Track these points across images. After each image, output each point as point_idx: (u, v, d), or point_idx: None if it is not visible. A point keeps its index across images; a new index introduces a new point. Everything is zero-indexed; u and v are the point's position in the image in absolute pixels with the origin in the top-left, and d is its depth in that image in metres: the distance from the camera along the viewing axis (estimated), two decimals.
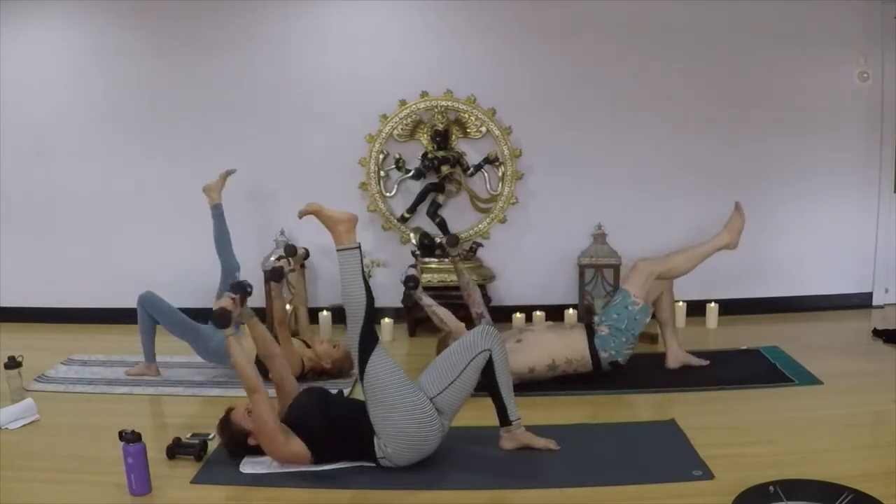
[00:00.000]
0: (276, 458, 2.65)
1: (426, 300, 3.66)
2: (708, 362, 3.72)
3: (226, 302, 2.71)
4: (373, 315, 2.66)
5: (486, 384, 2.75)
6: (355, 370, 2.70)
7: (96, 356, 4.17)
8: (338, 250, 2.69)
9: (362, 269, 2.67)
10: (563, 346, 3.50)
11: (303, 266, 3.90)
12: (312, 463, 2.66)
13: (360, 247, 2.71)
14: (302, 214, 2.77)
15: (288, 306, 4.04)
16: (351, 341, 2.65)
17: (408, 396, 2.61)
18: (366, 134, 4.68)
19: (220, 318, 2.64)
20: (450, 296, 4.44)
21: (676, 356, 3.76)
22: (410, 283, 3.56)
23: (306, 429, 2.65)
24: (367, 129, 4.68)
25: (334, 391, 2.96)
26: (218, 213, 4.11)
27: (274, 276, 3.60)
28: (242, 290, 2.89)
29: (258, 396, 2.58)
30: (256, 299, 4.56)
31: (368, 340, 2.62)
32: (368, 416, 2.66)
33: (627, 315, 3.50)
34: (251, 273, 4.69)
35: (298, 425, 2.65)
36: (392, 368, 2.64)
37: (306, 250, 4.17)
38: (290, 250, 3.83)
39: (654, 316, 3.74)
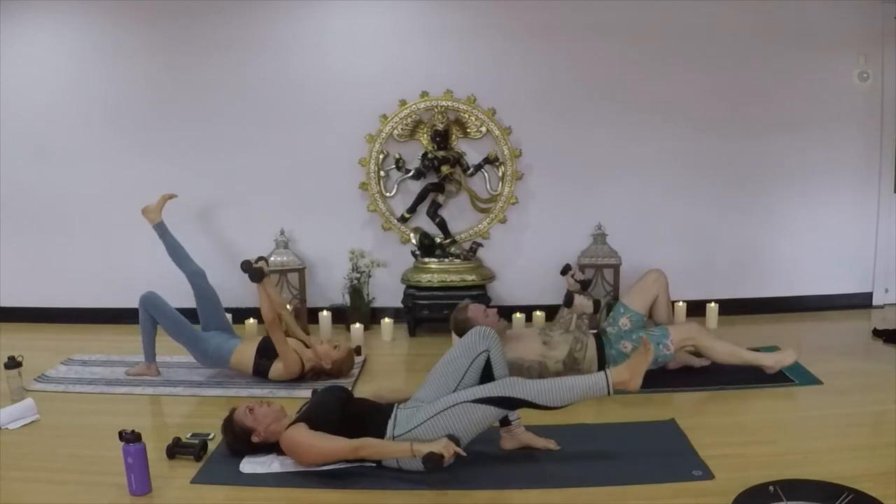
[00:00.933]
0: (316, 462, 2.61)
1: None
2: (709, 362, 3.72)
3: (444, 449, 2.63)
4: (533, 406, 2.63)
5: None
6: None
7: (96, 356, 4.17)
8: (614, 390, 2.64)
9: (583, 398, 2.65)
10: (574, 352, 3.52)
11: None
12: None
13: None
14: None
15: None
16: (513, 386, 2.62)
17: (467, 438, 2.60)
18: (366, 134, 4.68)
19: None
20: (449, 296, 4.47)
21: (675, 357, 3.75)
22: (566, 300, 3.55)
23: (321, 426, 2.64)
24: (367, 129, 4.68)
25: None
26: (162, 231, 4.09)
27: (253, 276, 3.60)
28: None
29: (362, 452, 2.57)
30: (256, 299, 4.56)
31: (510, 406, 2.64)
32: (379, 417, 2.66)
33: (655, 351, 3.48)
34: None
35: (314, 421, 2.65)
36: (483, 428, 2.63)
37: (262, 259, 4.02)
38: (247, 266, 3.70)
39: (650, 316, 3.76)
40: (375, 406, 2.79)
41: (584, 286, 3.61)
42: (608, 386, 2.61)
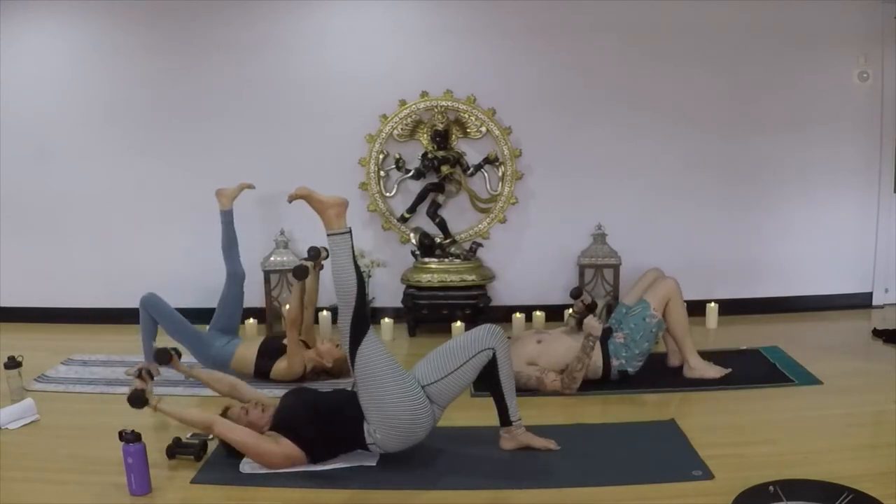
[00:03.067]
0: (272, 465, 2.65)
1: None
2: (731, 370, 3.64)
3: (137, 383, 2.79)
4: (364, 300, 2.66)
5: (489, 383, 2.75)
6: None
7: (96, 356, 4.17)
8: (328, 235, 2.67)
9: (353, 254, 2.66)
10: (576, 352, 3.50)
11: (321, 267, 3.90)
12: (309, 462, 2.67)
13: (350, 231, 2.70)
14: (291, 198, 2.77)
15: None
16: (342, 326, 2.65)
17: (399, 382, 2.61)
18: (366, 134, 4.68)
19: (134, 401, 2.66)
20: (449, 296, 4.47)
21: (694, 370, 3.64)
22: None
23: (294, 429, 2.66)
24: (367, 129, 4.68)
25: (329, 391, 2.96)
26: (227, 219, 4.09)
27: (298, 273, 3.56)
28: (317, 255, 3.34)
29: (216, 427, 2.64)
30: (256, 299, 4.58)
31: (360, 325, 2.62)
32: (356, 402, 2.67)
33: (644, 327, 3.51)
34: (251, 273, 4.69)
35: (286, 427, 2.67)
36: (383, 353, 2.65)
37: (327, 250, 4.05)
38: (314, 252, 3.73)
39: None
40: (348, 394, 2.78)
41: (590, 309, 3.60)
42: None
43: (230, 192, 4.15)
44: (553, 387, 3.42)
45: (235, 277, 3.98)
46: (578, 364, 3.39)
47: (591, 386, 3.50)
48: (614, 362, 3.50)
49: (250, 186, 4.28)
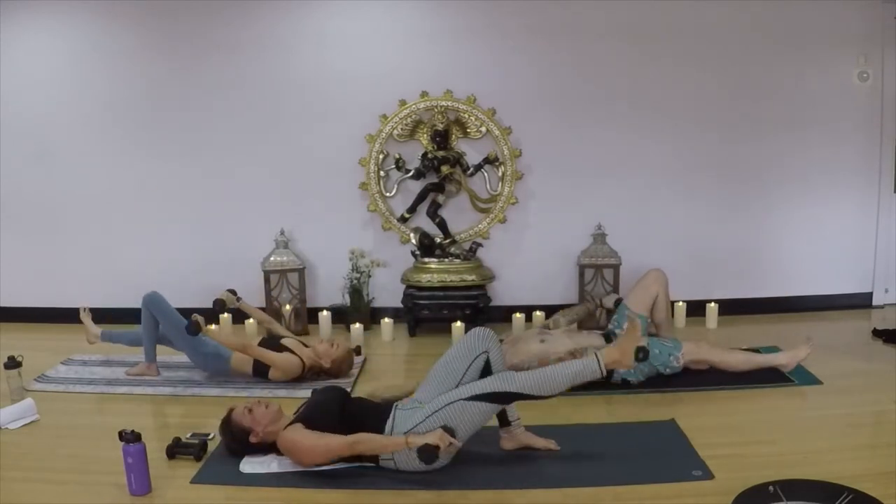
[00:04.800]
0: (309, 454, 2.61)
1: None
2: (707, 366, 3.71)
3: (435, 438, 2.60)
4: (525, 399, 2.63)
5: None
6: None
7: (96, 356, 4.16)
8: (597, 363, 2.64)
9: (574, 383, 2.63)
10: (583, 354, 3.50)
11: (238, 299, 3.94)
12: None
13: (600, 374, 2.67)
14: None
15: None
16: (510, 381, 2.61)
17: (464, 437, 2.60)
18: (366, 134, 4.68)
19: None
20: (449, 296, 4.47)
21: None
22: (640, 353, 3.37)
23: (318, 426, 2.64)
24: (367, 129, 4.68)
25: None
26: (109, 337, 3.99)
27: (188, 329, 3.48)
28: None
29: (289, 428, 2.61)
30: (256, 299, 4.58)
31: (506, 400, 2.63)
32: (377, 416, 2.66)
33: (665, 361, 3.53)
34: (251, 272, 4.70)
35: (312, 422, 2.65)
36: (479, 425, 2.63)
37: (231, 292, 3.96)
38: (220, 306, 3.81)
39: (651, 316, 3.77)
40: (374, 406, 2.80)
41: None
42: (600, 366, 2.62)
43: (87, 330, 4.03)
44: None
45: (152, 301, 3.76)
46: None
47: (591, 386, 3.48)
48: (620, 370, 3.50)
49: (87, 310, 4.11)
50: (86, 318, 4.07)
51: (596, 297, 4.52)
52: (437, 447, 2.48)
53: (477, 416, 2.60)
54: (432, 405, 2.63)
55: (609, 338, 3.61)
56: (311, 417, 2.68)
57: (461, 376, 2.68)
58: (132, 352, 3.98)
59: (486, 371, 2.72)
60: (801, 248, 4.85)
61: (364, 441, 2.56)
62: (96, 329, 4.04)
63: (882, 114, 4.74)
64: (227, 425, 2.75)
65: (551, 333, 3.65)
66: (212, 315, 3.53)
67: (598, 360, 2.62)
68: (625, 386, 3.52)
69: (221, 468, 2.71)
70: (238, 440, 2.73)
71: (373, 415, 2.69)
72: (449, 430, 2.54)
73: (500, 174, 4.69)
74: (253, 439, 2.69)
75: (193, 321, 3.44)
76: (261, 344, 3.71)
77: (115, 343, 4.01)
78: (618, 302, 3.79)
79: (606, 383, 3.49)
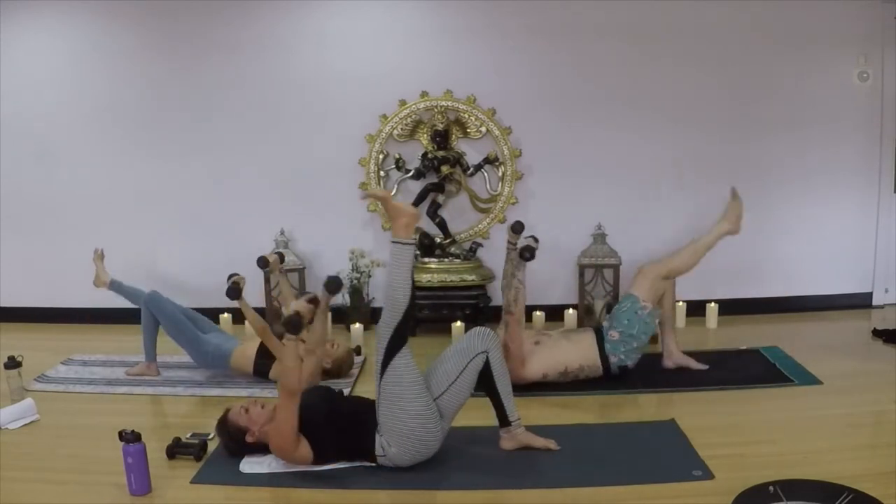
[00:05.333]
0: (282, 457, 2.65)
1: (520, 276, 3.53)
2: (707, 367, 3.71)
3: (300, 306, 2.70)
4: (411, 315, 2.65)
5: (485, 386, 2.76)
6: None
7: (96, 356, 4.17)
8: (392, 242, 2.65)
9: (412, 267, 2.63)
10: (576, 354, 3.52)
11: (281, 270, 3.92)
12: (312, 463, 2.66)
13: (415, 245, 2.69)
14: (367, 197, 2.76)
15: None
16: (382, 334, 2.63)
17: (421, 399, 2.61)
18: (366, 134, 4.68)
19: (292, 326, 2.57)
20: (449, 296, 4.47)
21: (672, 356, 3.76)
22: (527, 253, 3.45)
23: (311, 428, 2.65)
24: (367, 129, 4.68)
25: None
26: (117, 288, 3.98)
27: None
28: (337, 286, 3.25)
29: (295, 400, 2.56)
30: (256, 299, 4.58)
31: (399, 339, 2.62)
32: (372, 413, 2.66)
33: (638, 321, 3.52)
34: (251, 272, 4.69)
35: (304, 424, 2.66)
36: (415, 371, 2.64)
37: (280, 255, 4.06)
38: (263, 263, 3.79)
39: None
40: (365, 402, 2.79)
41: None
42: None
43: (97, 272, 4.03)
44: (507, 331, 3.43)
45: (152, 300, 3.78)
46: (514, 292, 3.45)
47: (592, 385, 3.50)
48: (613, 359, 3.50)
49: (101, 253, 4.10)
50: (98, 260, 4.07)
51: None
52: (299, 314, 2.63)
53: (461, 393, 2.67)
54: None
55: (600, 332, 3.56)
56: (301, 420, 2.68)
57: (457, 375, 2.67)
58: (132, 351, 3.98)
59: (486, 371, 2.72)
60: (801, 248, 4.84)
61: (282, 370, 2.58)
62: (108, 275, 4.01)
63: (882, 114, 4.74)
64: (224, 425, 2.75)
65: (550, 336, 3.63)
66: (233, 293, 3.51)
67: None
68: (624, 374, 3.52)
69: (221, 468, 2.71)
70: (234, 440, 2.73)
71: (365, 412, 2.70)
72: (312, 300, 2.83)
73: (500, 174, 4.69)
74: (249, 439, 2.69)
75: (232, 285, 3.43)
76: (262, 343, 3.70)
77: (117, 294, 3.98)
78: (516, 225, 3.63)
79: (606, 377, 3.52)
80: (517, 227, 3.59)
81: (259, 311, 4.62)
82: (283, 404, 2.56)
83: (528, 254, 3.44)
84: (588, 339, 3.56)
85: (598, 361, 3.51)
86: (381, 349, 2.63)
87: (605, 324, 3.63)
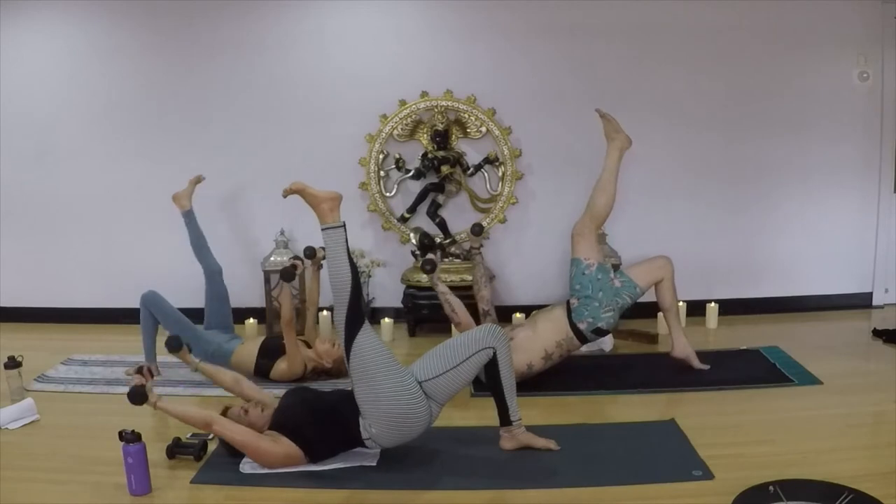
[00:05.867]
0: (270, 464, 2.65)
1: (441, 287, 3.67)
2: (708, 367, 3.71)
3: (137, 379, 2.73)
4: (359, 293, 2.65)
5: (490, 384, 2.75)
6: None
7: (96, 356, 4.17)
8: (322, 229, 2.67)
9: (347, 248, 2.65)
10: (550, 331, 3.50)
11: (320, 267, 3.91)
12: (309, 462, 2.67)
13: (344, 225, 2.69)
14: (286, 193, 2.78)
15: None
16: (338, 320, 2.65)
17: (395, 376, 2.61)
18: (366, 134, 4.68)
19: (286, 274, 2.80)
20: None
21: (682, 347, 3.73)
22: (427, 266, 3.59)
23: (293, 428, 2.66)
24: (367, 129, 4.68)
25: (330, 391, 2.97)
26: (190, 219, 4.08)
27: (286, 276, 3.56)
28: (313, 254, 3.57)
29: (215, 426, 2.63)
30: (256, 299, 4.59)
31: (355, 318, 2.62)
32: (352, 399, 2.67)
33: (589, 281, 3.49)
34: (251, 272, 4.70)
35: (286, 427, 2.67)
36: (379, 347, 2.65)
37: (324, 250, 4.10)
38: (310, 252, 3.77)
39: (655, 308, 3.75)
40: (345, 392, 2.79)
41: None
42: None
43: (185, 192, 4.12)
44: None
45: (212, 274, 3.99)
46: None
47: (590, 385, 3.51)
48: (581, 325, 3.48)
49: (201, 179, 4.24)
50: (193, 183, 4.17)
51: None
52: (294, 265, 2.89)
53: (455, 382, 2.67)
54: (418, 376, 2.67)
55: (570, 307, 3.53)
56: (279, 422, 2.72)
57: (460, 362, 2.66)
58: (132, 351, 3.99)
59: (493, 368, 2.71)
60: (801, 248, 4.84)
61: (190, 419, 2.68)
62: (190, 202, 4.09)
63: (882, 114, 4.74)
64: None
65: (522, 325, 3.64)
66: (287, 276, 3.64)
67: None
68: (601, 334, 3.51)
69: (221, 468, 2.71)
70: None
71: (345, 401, 2.71)
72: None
73: (500, 174, 4.69)
74: None
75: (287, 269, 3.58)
76: (264, 342, 3.72)
77: (187, 224, 4.06)
78: (475, 228, 3.79)
79: (584, 344, 3.54)
80: (476, 230, 3.73)
81: (259, 311, 4.67)
82: (216, 433, 2.66)
83: (428, 266, 3.61)
84: (558, 311, 3.56)
85: (570, 332, 3.49)
86: (341, 335, 2.64)
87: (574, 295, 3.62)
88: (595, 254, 3.57)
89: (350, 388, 2.77)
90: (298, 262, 3.75)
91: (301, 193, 2.74)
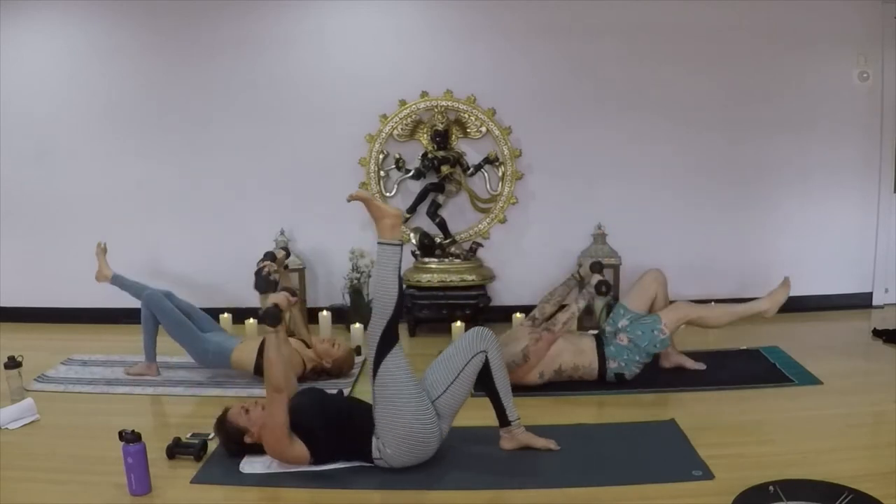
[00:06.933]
0: (277, 457, 2.65)
1: (581, 304, 3.60)
2: (704, 367, 3.72)
3: (279, 299, 2.70)
4: (399, 315, 2.66)
5: (484, 386, 2.76)
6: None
7: (96, 356, 4.17)
8: (379, 243, 2.65)
9: (399, 267, 2.64)
10: (572, 353, 3.50)
11: (286, 267, 3.91)
12: (311, 463, 2.66)
13: (402, 245, 2.68)
14: (351, 199, 2.73)
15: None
16: (372, 335, 2.63)
17: (417, 399, 2.61)
18: (366, 134, 4.68)
19: (270, 317, 2.61)
20: (449, 296, 4.47)
21: (668, 356, 3.76)
22: (604, 287, 3.56)
23: (306, 429, 2.65)
24: (367, 129, 4.68)
25: (333, 391, 2.97)
26: (120, 282, 3.97)
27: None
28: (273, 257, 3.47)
29: (281, 396, 2.56)
30: (255, 299, 4.58)
31: (389, 338, 2.62)
32: (368, 415, 2.66)
33: (651, 338, 3.50)
34: (251, 272, 4.69)
35: (298, 426, 2.66)
36: (407, 371, 2.64)
37: (286, 251, 4.12)
38: (270, 256, 3.79)
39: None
40: (363, 405, 2.79)
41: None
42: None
43: (99, 266, 4.04)
44: (537, 345, 3.43)
45: (169, 296, 3.78)
46: (566, 315, 3.49)
47: (588, 386, 3.50)
48: (612, 364, 3.49)
49: (105, 248, 4.11)
50: (101, 254, 4.07)
51: (575, 274, 4.19)
52: (277, 306, 2.66)
53: (461, 393, 2.68)
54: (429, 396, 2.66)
55: (601, 338, 3.58)
56: (294, 422, 2.68)
57: (457, 374, 2.67)
58: (132, 351, 3.99)
59: (486, 371, 2.72)
60: (801, 248, 4.84)
61: (265, 364, 2.62)
62: (110, 270, 4.02)
63: (882, 114, 4.74)
64: (223, 425, 2.75)
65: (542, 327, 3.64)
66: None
67: None
68: (620, 383, 3.51)
69: (221, 468, 2.71)
70: (233, 440, 2.73)
71: (360, 413, 2.70)
72: (290, 291, 2.84)
73: (500, 174, 4.69)
74: (248, 440, 2.69)
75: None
76: (264, 342, 3.71)
77: (121, 290, 3.96)
78: (595, 265, 3.74)
79: (601, 381, 3.51)
80: (595, 267, 3.69)
81: (255, 311, 4.66)
82: (270, 400, 2.56)
83: (604, 287, 3.55)
84: (587, 341, 3.57)
85: (594, 364, 3.50)
86: (372, 351, 2.63)
87: (607, 328, 3.64)
88: (672, 329, 3.55)
89: (370, 403, 2.77)
90: (269, 263, 3.73)
91: (366, 203, 2.71)
